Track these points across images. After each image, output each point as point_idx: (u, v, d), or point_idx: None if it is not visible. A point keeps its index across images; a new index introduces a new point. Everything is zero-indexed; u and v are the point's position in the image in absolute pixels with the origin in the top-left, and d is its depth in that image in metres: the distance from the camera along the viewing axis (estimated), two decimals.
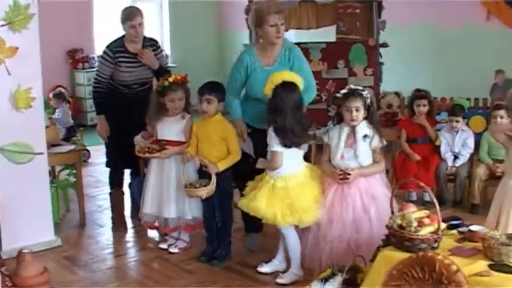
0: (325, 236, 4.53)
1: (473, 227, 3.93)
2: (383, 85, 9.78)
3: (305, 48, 9.91)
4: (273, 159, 4.64)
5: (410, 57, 11.09)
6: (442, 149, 6.85)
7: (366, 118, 4.63)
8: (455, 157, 6.86)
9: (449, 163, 6.81)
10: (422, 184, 4.11)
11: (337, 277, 4.07)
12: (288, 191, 4.62)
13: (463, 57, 10.58)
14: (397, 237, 3.74)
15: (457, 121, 6.85)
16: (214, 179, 4.97)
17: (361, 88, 4.70)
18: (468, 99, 9.44)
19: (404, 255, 3.60)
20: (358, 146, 4.60)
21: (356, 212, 4.49)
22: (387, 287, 3.56)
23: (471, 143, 6.85)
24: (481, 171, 6.60)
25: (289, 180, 4.64)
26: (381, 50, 9.57)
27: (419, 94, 7.06)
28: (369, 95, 4.64)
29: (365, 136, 4.60)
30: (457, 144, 6.86)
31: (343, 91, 4.71)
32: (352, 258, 4.10)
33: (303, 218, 4.56)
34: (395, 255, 3.67)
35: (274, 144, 4.60)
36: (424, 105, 6.97)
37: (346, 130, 4.66)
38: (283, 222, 4.61)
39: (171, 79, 5.34)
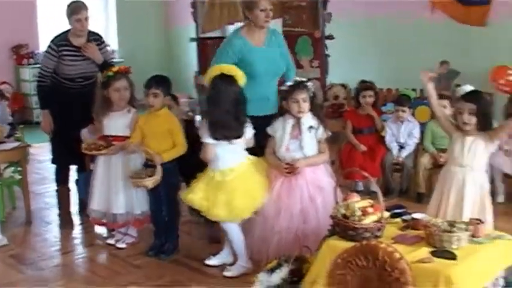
0: (273, 228, 4.58)
1: (416, 215, 4.02)
2: (329, 77, 9.84)
3: None
4: (204, 150, 4.65)
5: (356, 49, 11.20)
6: (387, 139, 6.96)
7: (310, 110, 4.69)
8: (401, 147, 6.98)
9: (395, 153, 6.92)
10: (366, 174, 4.16)
11: (284, 267, 4.11)
12: (225, 184, 4.64)
13: (408, 49, 10.70)
14: (341, 226, 3.81)
15: (403, 111, 6.97)
16: (159, 168, 4.97)
17: (305, 80, 4.76)
18: (414, 89, 9.60)
19: (349, 244, 3.67)
20: (303, 137, 4.65)
21: (303, 202, 4.55)
22: (332, 277, 3.63)
23: (417, 133, 6.98)
24: (425, 161, 6.73)
25: (227, 174, 4.66)
26: (327, 42, 9.63)
27: (365, 85, 7.17)
28: (312, 87, 4.70)
29: (310, 127, 4.65)
30: (402, 134, 6.98)
31: (289, 83, 4.76)
32: (298, 248, 4.15)
33: (239, 215, 4.63)
34: (339, 245, 3.73)
35: (204, 135, 4.62)
36: (370, 96, 7.08)
37: (290, 122, 4.70)
38: (218, 217, 4.67)
39: (114, 69, 5.43)
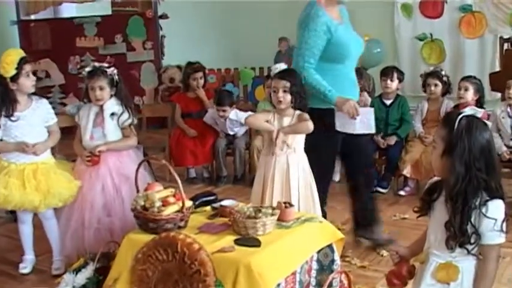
0: (80, 223, 4.42)
1: (224, 202, 3.98)
2: (167, 58, 9.76)
3: (79, 24, 9.73)
4: None
5: (194, 28, 11.11)
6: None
7: (114, 95, 4.56)
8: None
9: (230, 132, 6.90)
10: (158, 160, 4.03)
11: (89, 266, 3.97)
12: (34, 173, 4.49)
13: (248, 27, 10.76)
14: (141, 219, 3.70)
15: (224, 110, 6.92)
16: None
17: (105, 65, 4.60)
18: (253, 68, 9.68)
19: (150, 237, 3.57)
20: (106, 124, 4.51)
21: (107, 193, 4.42)
22: (134, 272, 3.52)
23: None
24: (258, 143, 6.74)
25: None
26: (162, 22, 9.53)
27: (193, 67, 7.10)
28: (115, 71, 4.55)
29: (112, 114, 4.52)
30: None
31: (88, 69, 4.59)
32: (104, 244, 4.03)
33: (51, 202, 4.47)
34: (140, 238, 3.61)
35: None
36: (200, 78, 7.04)
37: (94, 109, 4.55)
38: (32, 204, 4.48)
39: None
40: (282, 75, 4.36)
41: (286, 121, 4.36)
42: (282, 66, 4.47)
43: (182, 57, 9.52)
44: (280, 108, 4.36)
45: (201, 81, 7.05)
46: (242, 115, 6.62)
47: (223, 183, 6.96)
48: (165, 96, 9.16)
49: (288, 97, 4.32)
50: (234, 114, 6.74)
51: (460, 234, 2.69)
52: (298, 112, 4.35)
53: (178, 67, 9.22)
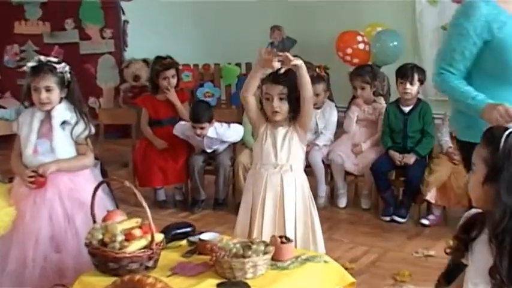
0: (19, 261, 4.36)
1: (204, 235, 3.95)
2: (130, 50, 9.75)
3: (19, 4, 9.69)
4: None
5: (165, 13, 11.06)
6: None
7: (65, 98, 4.50)
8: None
9: (208, 150, 6.86)
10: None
11: None
12: None
13: (233, 12, 10.75)
14: (98, 257, 3.65)
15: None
16: None
17: (54, 60, 4.54)
18: (238, 64, 9.65)
19: (109, 280, 3.51)
20: (55, 136, 4.46)
21: (56, 223, 4.36)
22: None
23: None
24: (245, 158, 6.67)
25: None
26: (124, 4, 9.52)
27: (164, 63, 7.04)
28: (66, 68, 4.50)
29: (64, 123, 4.47)
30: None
31: (31, 64, 4.52)
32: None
33: None
34: (97, 282, 3.57)
35: None
36: (172, 77, 7.00)
37: (39, 115, 4.50)
38: None
39: None
40: (277, 78, 4.34)
41: (281, 134, 4.36)
42: (276, 64, 4.42)
43: (150, 50, 9.50)
44: (275, 120, 4.35)
45: (173, 81, 7.02)
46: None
47: (201, 209, 6.92)
48: (127, 98, 9.12)
49: (285, 106, 4.33)
50: (212, 131, 6.65)
51: (509, 282, 2.65)
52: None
53: (145, 61, 9.20)
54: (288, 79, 4.33)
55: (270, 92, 4.34)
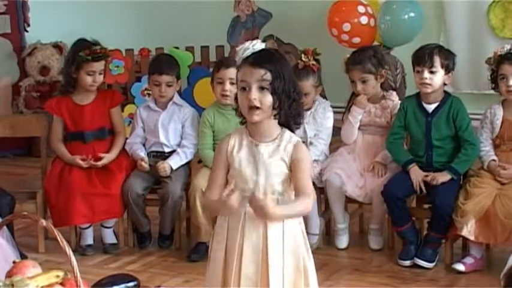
0: None
1: None
2: (34, 31, 9.80)
3: None
4: None
5: None
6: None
7: None
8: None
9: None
10: None
11: None
12: None
13: None
14: None
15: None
16: None
17: None
18: (190, 49, 9.68)
19: None
20: None
21: None
22: None
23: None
24: (202, 181, 6.58)
25: None
26: None
27: (93, 50, 6.88)
28: None
29: None
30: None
31: None
32: None
33: None
34: None
35: None
36: (100, 73, 6.91)
37: None
38: None
39: None
40: (257, 60, 4.29)
41: (266, 152, 4.34)
42: (258, 45, 4.40)
43: (62, 30, 9.56)
44: (253, 122, 4.32)
45: (100, 78, 6.90)
46: None
47: (151, 244, 6.94)
48: (32, 99, 9.15)
49: (268, 99, 4.21)
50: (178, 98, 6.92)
51: None
52: (290, 137, 4.34)
53: (57, 47, 9.23)
54: (273, 61, 4.26)
55: (247, 79, 4.23)
